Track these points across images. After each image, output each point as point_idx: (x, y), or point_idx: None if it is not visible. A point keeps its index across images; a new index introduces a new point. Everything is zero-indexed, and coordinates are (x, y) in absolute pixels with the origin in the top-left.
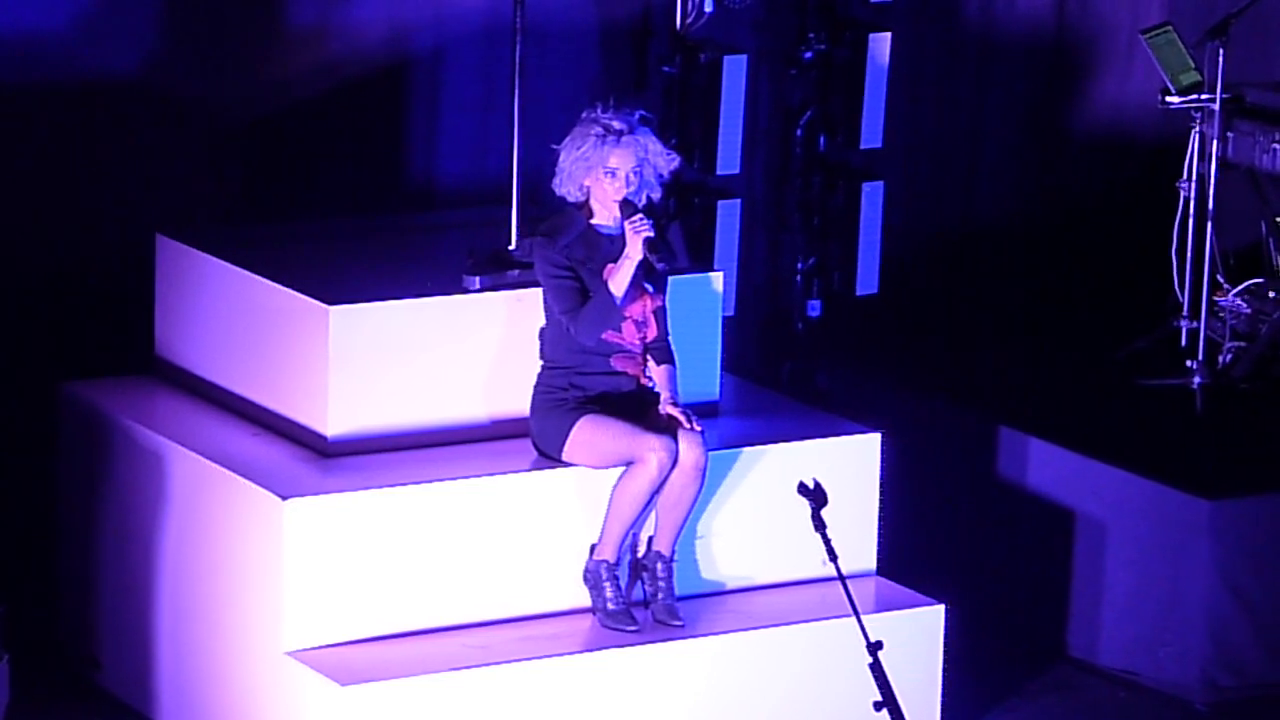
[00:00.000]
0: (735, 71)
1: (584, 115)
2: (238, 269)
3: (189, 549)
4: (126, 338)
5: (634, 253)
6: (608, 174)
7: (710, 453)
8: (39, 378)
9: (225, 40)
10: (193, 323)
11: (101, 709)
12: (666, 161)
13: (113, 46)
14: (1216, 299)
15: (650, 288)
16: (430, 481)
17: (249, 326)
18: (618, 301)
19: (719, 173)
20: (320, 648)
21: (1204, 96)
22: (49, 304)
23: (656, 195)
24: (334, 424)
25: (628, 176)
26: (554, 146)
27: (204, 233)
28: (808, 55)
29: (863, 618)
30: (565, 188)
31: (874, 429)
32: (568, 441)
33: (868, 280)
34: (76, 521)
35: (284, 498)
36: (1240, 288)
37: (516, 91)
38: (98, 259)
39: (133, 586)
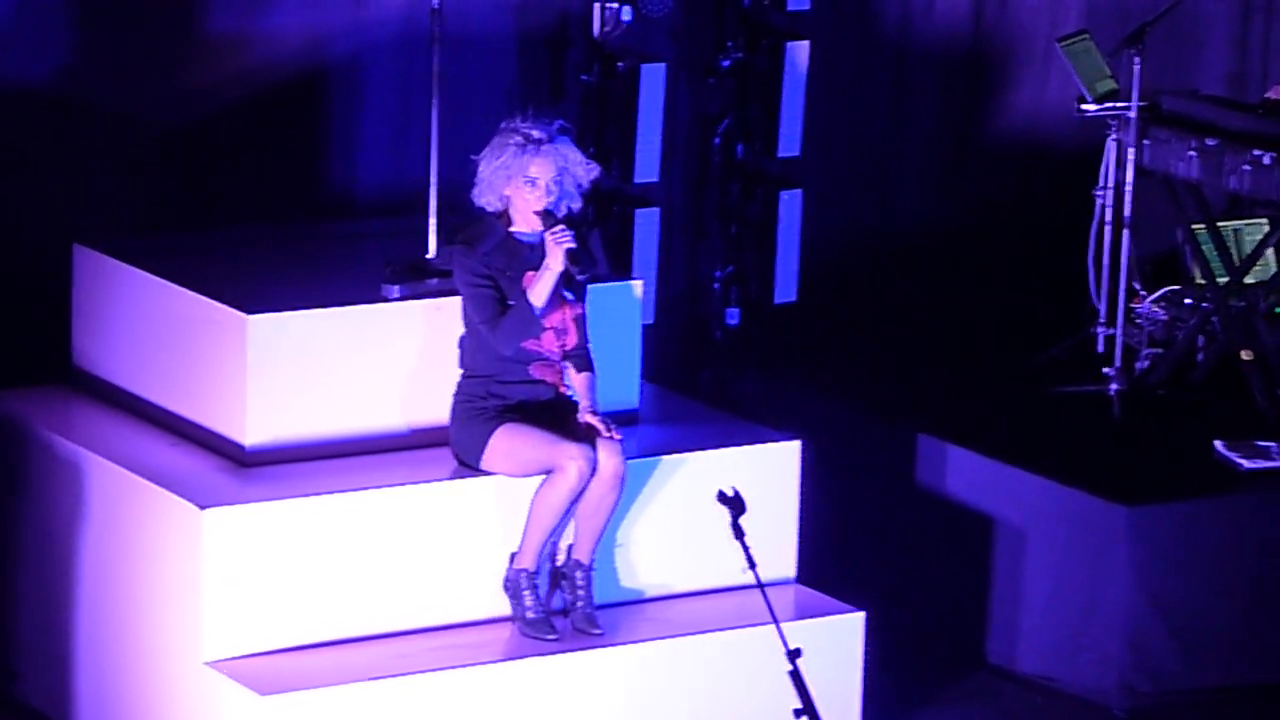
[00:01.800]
0: (653, 80)
1: (503, 125)
2: (155, 278)
3: (108, 559)
4: (44, 347)
5: (555, 264)
6: (528, 183)
7: (629, 461)
8: None
9: (142, 47)
10: (111, 332)
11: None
12: (586, 171)
13: (27, 54)
14: (1133, 306)
15: (570, 296)
16: (349, 491)
17: (167, 336)
18: (538, 311)
19: (637, 181)
20: (240, 658)
21: (1120, 104)
22: None
23: (576, 205)
24: (252, 433)
25: (548, 186)
26: (473, 157)
27: (121, 242)
28: (725, 63)
29: (782, 626)
30: (485, 197)
31: (793, 437)
32: (487, 450)
33: (786, 288)
34: None
35: (202, 508)
36: (1157, 295)
37: (435, 100)
38: (14, 268)
39: (51, 597)
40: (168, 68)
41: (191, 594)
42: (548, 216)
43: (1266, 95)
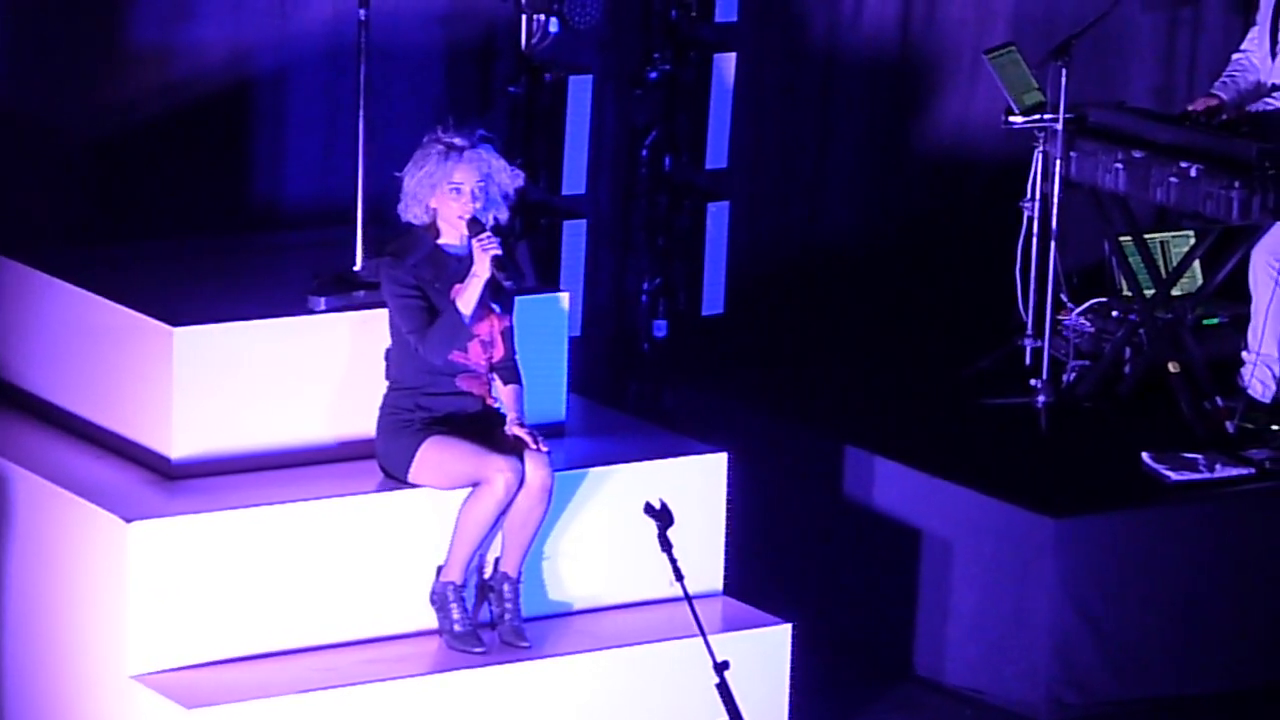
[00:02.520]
0: (580, 92)
1: (427, 137)
2: (80, 290)
3: (33, 572)
4: None
5: (481, 270)
6: (453, 190)
7: (557, 473)
8: None
9: (64, 58)
10: (36, 345)
11: None
12: (511, 178)
13: None
14: (1060, 318)
15: (497, 308)
16: (275, 504)
17: (92, 348)
18: (466, 320)
19: (565, 193)
20: (166, 671)
21: (1047, 116)
22: None
23: (503, 216)
24: (178, 446)
25: (473, 192)
26: (396, 174)
27: (46, 254)
28: (653, 75)
29: (709, 638)
30: (411, 210)
31: (720, 449)
32: (414, 463)
33: (713, 300)
34: None
35: (128, 520)
36: (1084, 307)
37: (361, 112)
38: None
39: None
40: (91, 79)
41: (117, 607)
42: (474, 224)
43: (1191, 108)
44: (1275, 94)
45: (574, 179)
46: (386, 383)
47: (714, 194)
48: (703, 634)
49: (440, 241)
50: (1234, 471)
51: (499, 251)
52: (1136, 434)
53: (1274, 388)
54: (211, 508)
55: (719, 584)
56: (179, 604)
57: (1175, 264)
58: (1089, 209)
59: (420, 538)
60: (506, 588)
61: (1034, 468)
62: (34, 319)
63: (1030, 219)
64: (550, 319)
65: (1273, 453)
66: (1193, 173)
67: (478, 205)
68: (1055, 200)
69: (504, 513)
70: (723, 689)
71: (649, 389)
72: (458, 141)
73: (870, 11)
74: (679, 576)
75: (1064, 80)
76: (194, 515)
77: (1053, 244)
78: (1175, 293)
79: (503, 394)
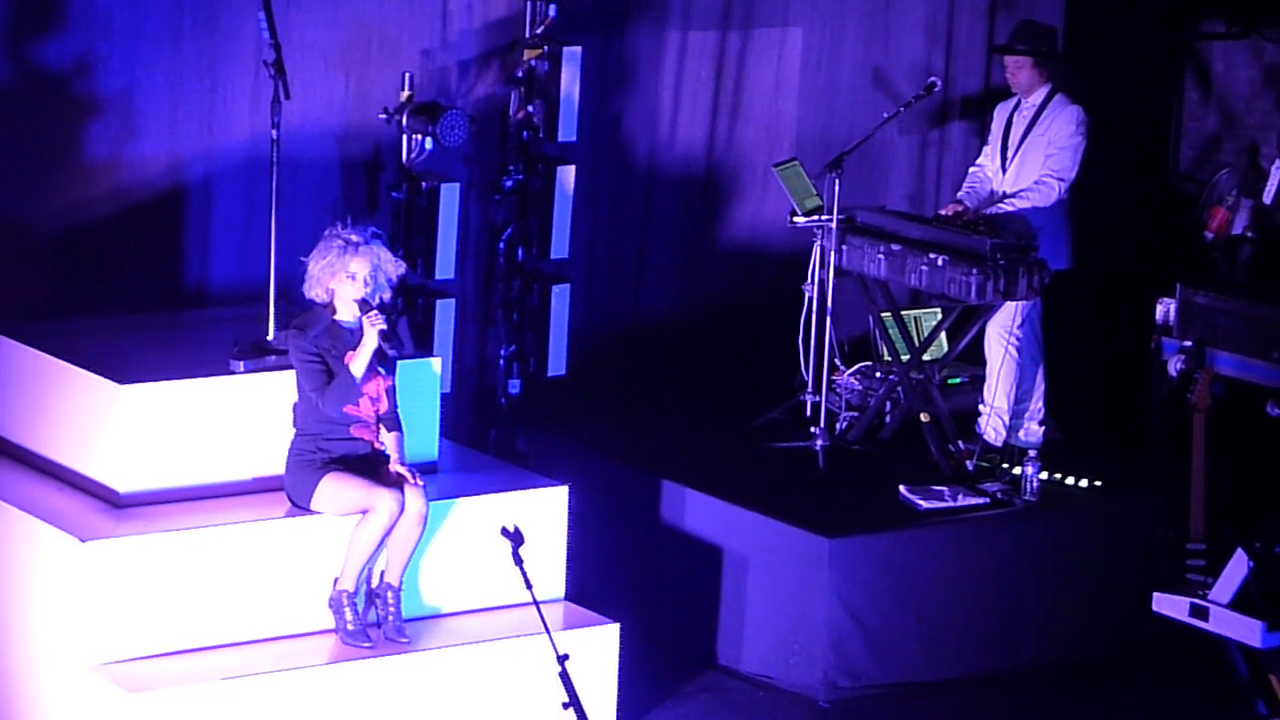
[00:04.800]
0: (450, 196)
1: (327, 232)
2: (44, 354)
3: (4, 581)
4: None
5: (370, 341)
6: (349, 277)
7: (431, 503)
8: None
9: (32, 168)
10: (7, 398)
11: None
12: (395, 268)
13: None
14: (834, 378)
15: (383, 370)
16: (204, 527)
17: (53, 401)
18: (356, 381)
19: (437, 278)
20: (113, 663)
21: (823, 217)
22: None
23: (388, 296)
24: (124, 481)
25: (364, 279)
26: (302, 259)
27: (14, 325)
28: (508, 184)
29: (553, 634)
30: (314, 290)
31: (562, 483)
32: (315, 494)
33: (557, 364)
34: None
35: (83, 540)
36: (853, 369)
37: (273, 212)
38: None
39: None
40: (52, 184)
41: (73, 611)
42: (364, 304)
43: (940, 211)
44: (1004, 200)
45: (445, 266)
46: (293, 430)
47: (558, 278)
48: (547, 631)
49: (337, 317)
50: (973, 501)
51: (384, 326)
52: (895, 471)
53: (1004, 434)
54: (152, 530)
55: (561, 591)
56: (124, 608)
57: (925, 335)
58: (857, 291)
59: (320, 555)
60: (390, 595)
61: (813, 498)
62: (6, 378)
63: (810, 299)
64: (426, 379)
65: (1003, 485)
66: (939, 262)
67: (368, 289)
68: (830, 284)
69: (388, 534)
70: (564, 676)
71: (506, 435)
72: (354, 238)
73: (682, 134)
74: (528, 585)
75: (837, 188)
76: (138, 536)
77: (828, 319)
78: (926, 358)
79: (387, 439)
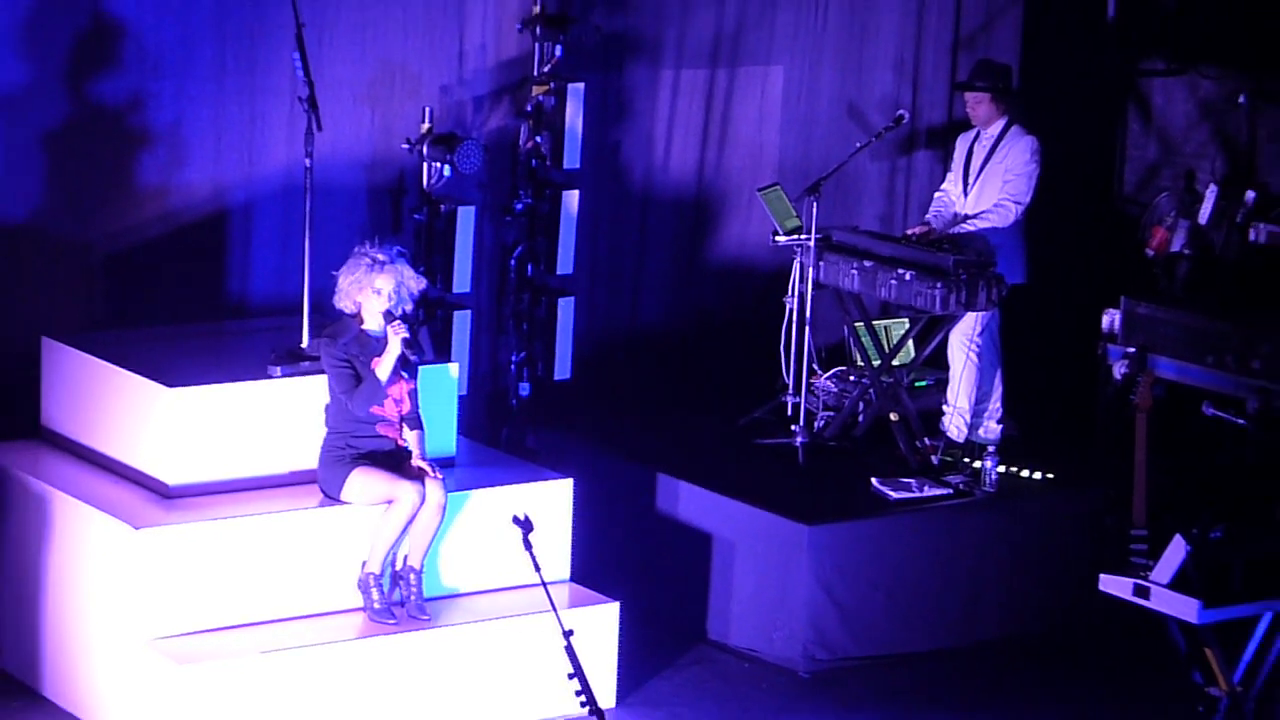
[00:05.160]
0: (466, 218)
1: (356, 250)
2: (101, 360)
3: (67, 564)
4: (20, 412)
5: (394, 349)
6: (375, 291)
7: (449, 494)
8: None
9: (91, 194)
10: (69, 400)
11: (1, 683)
12: (417, 283)
13: (5, 199)
14: (813, 381)
15: (406, 375)
16: (245, 516)
17: (109, 403)
18: (382, 384)
19: (455, 291)
20: (163, 638)
21: (803, 236)
22: None
23: (410, 308)
24: (173, 475)
25: (389, 294)
26: (333, 274)
27: (75, 335)
28: (519, 206)
29: (559, 612)
30: (343, 303)
31: (568, 476)
32: (344, 486)
33: (563, 368)
34: None
35: (136, 528)
36: (830, 373)
37: (307, 233)
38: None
39: (25, 592)
40: (109, 209)
41: (126, 591)
42: (389, 315)
43: (908, 231)
44: (966, 221)
45: (461, 281)
46: (325, 428)
47: (563, 292)
48: (554, 609)
49: (364, 327)
50: (937, 491)
51: (407, 335)
52: (868, 465)
53: (966, 431)
54: (197, 519)
55: (567, 573)
56: (173, 589)
57: (895, 342)
58: (833, 303)
59: (348, 541)
60: (412, 576)
61: (794, 489)
62: (69, 382)
63: (791, 310)
64: (445, 383)
65: (965, 478)
66: (907, 277)
67: (392, 303)
68: (809, 297)
69: (410, 522)
70: (569, 649)
71: (516, 433)
72: (380, 256)
73: (675, 161)
74: (537, 568)
75: (815, 210)
76: (185, 524)
77: (807, 328)
78: (895, 363)
79: (410, 437)
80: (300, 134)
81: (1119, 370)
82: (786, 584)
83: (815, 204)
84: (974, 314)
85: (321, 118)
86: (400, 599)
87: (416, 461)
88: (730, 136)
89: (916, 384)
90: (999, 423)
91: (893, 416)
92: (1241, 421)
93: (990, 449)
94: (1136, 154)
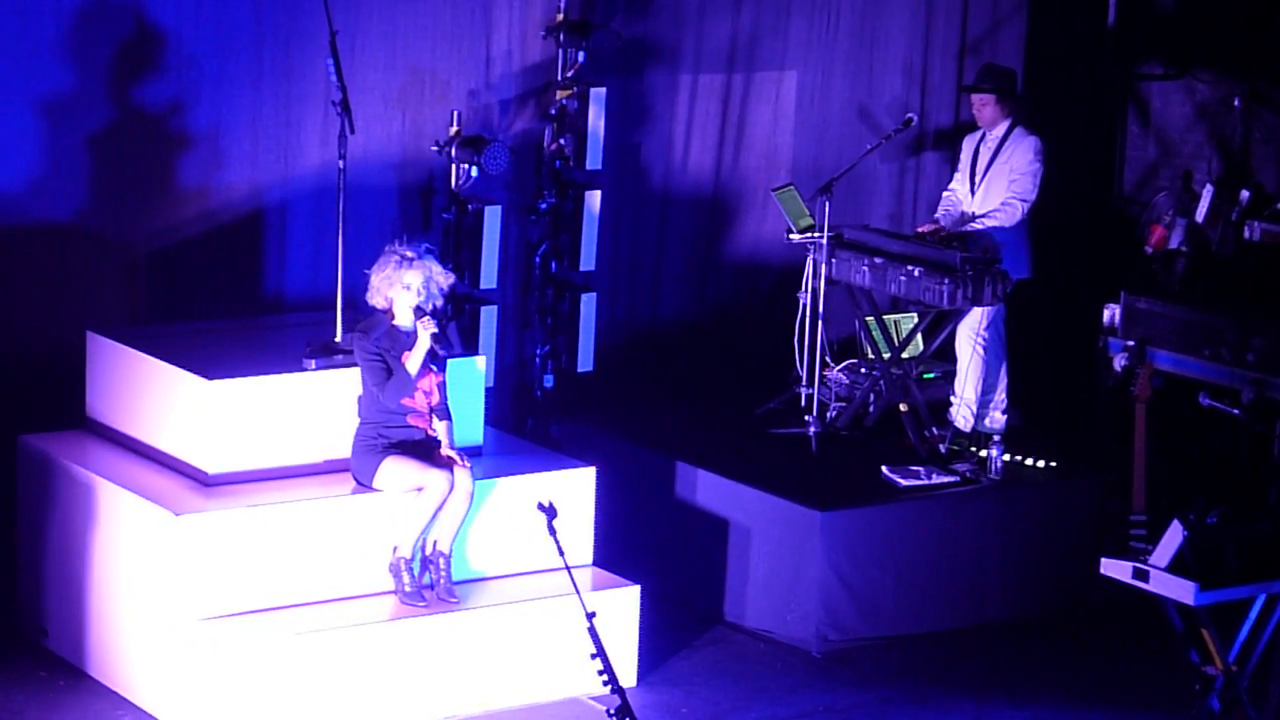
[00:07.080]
0: (493, 217)
1: (387, 248)
2: (143, 354)
3: (111, 549)
4: (67, 403)
5: (424, 343)
6: (405, 288)
7: (477, 481)
8: (3, 433)
9: (135, 195)
10: (113, 392)
11: (49, 662)
12: (445, 279)
13: (51, 199)
14: (825, 373)
15: (435, 367)
16: (281, 503)
17: (152, 394)
18: (412, 376)
19: (482, 287)
20: (202, 619)
21: (816, 235)
22: (10, 380)
23: (439, 303)
24: (212, 463)
25: (419, 290)
26: (365, 271)
27: (118, 329)
28: (543, 205)
29: (582, 595)
30: (375, 299)
31: (590, 465)
32: (376, 474)
33: (585, 361)
34: (31, 532)
35: (177, 514)
36: (842, 365)
37: (340, 231)
38: (44, 349)
39: (72, 575)
40: (151, 208)
41: (167, 575)
42: (419, 311)
43: (919, 229)
44: (974, 220)
45: (488, 277)
46: (358, 419)
47: (586, 288)
48: (578, 592)
49: (395, 322)
50: (945, 479)
51: (436, 329)
52: (878, 453)
53: (972, 421)
54: (236, 505)
55: (590, 558)
56: (212, 573)
57: (904, 336)
58: (845, 298)
59: (380, 526)
60: (442, 561)
61: (807, 477)
62: (113, 374)
63: (804, 305)
64: (472, 375)
65: (971, 466)
66: (916, 273)
67: (422, 298)
68: (821, 292)
69: (440, 508)
70: (592, 630)
71: (541, 423)
72: (409, 253)
73: (693, 163)
74: (561, 552)
75: (827, 209)
76: (223, 510)
77: (820, 322)
78: (904, 356)
79: (439, 427)
80: (334, 137)
81: (1119, 362)
82: (800, 568)
83: (828, 203)
84: (980, 309)
85: (354, 121)
86: (430, 582)
87: (445, 451)
88: (746, 139)
89: (925, 376)
90: (1004, 413)
91: (902, 407)
92: (1236, 411)
93: (996, 438)
94: (1136, 155)
